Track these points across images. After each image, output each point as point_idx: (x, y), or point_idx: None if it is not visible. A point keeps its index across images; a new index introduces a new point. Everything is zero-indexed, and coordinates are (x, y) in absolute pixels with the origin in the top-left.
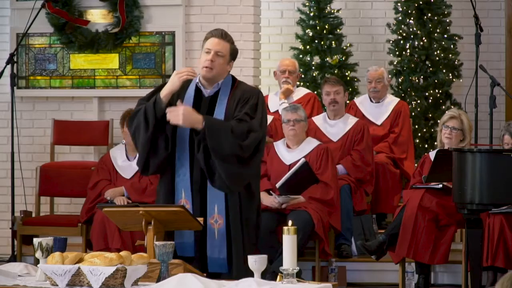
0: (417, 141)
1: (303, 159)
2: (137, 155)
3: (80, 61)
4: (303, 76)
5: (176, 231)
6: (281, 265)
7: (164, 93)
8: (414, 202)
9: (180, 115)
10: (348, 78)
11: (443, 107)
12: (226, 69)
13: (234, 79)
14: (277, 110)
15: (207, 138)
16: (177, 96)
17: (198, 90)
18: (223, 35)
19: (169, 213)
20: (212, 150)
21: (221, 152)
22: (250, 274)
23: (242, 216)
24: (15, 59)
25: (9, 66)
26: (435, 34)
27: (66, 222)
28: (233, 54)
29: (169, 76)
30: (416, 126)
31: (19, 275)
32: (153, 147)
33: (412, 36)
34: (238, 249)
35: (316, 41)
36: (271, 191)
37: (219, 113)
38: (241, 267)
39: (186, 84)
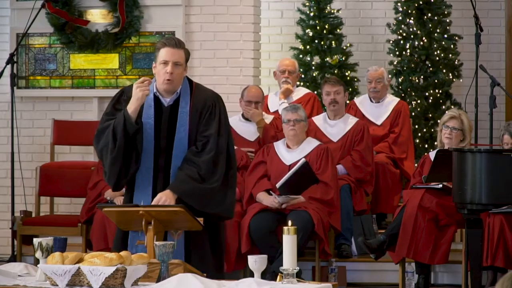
0: (417, 141)
1: (303, 159)
2: (107, 173)
3: (80, 61)
4: (303, 76)
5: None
6: (281, 265)
7: (132, 108)
8: (414, 202)
9: (166, 202)
10: (348, 78)
11: (443, 107)
12: (183, 76)
13: (190, 82)
14: (277, 110)
15: (189, 203)
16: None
17: (156, 99)
18: (177, 44)
19: (169, 213)
20: (200, 208)
21: (206, 204)
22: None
23: (209, 223)
24: (15, 59)
25: (9, 66)
26: (435, 34)
27: (66, 222)
28: (187, 58)
29: None
30: (416, 126)
31: (19, 275)
32: (125, 164)
33: (412, 36)
34: (202, 257)
35: (316, 41)
36: (271, 191)
37: (183, 124)
38: (212, 270)
39: None
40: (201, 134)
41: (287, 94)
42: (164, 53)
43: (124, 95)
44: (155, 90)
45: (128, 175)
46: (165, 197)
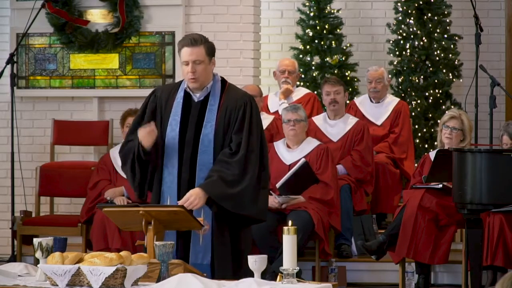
0: (417, 141)
1: (303, 159)
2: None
3: (80, 61)
4: (303, 76)
5: None
6: (281, 265)
7: (145, 145)
8: (414, 202)
9: (194, 203)
10: (348, 78)
11: (443, 107)
12: (210, 70)
13: (224, 82)
14: (277, 110)
15: (221, 204)
16: (165, 104)
17: (187, 95)
18: (193, 42)
19: (169, 213)
20: (233, 210)
21: (239, 205)
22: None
23: (231, 221)
24: (15, 59)
25: (9, 66)
26: (435, 34)
27: (66, 222)
28: (210, 52)
29: (169, 76)
30: (416, 126)
31: (19, 275)
32: (144, 178)
33: (412, 36)
34: (223, 255)
35: (316, 41)
36: (271, 191)
37: (210, 120)
38: (226, 273)
39: (173, 90)
40: (234, 134)
41: (287, 94)
42: (183, 54)
43: (154, 94)
44: (185, 87)
45: (148, 181)
46: (194, 196)
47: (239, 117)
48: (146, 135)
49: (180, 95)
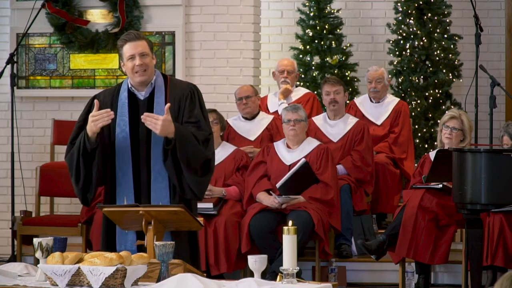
0: (417, 141)
1: (303, 159)
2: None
3: (80, 61)
4: (303, 76)
5: (117, 235)
6: (281, 265)
7: (90, 134)
8: (414, 202)
9: (159, 125)
10: (348, 78)
11: (443, 107)
12: (153, 65)
13: (165, 76)
14: (277, 110)
15: (177, 149)
16: (110, 107)
17: (132, 95)
18: (137, 36)
19: (169, 213)
20: (180, 161)
21: (188, 162)
22: None
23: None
24: (15, 59)
25: (9, 66)
26: (435, 34)
27: (66, 222)
28: (151, 47)
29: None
30: (416, 126)
31: (19, 275)
32: (88, 178)
33: (412, 36)
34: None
35: (316, 41)
36: (271, 191)
37: (159, 113)
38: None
39: (115, 93)
40: (188, 120)
41: (286, 94)
42: (127, 49)
43: (96, 99)
44: (129, 86)
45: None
46: (162, 119)
47: (187, 105)
48: (99, 117)
49: (124, 95)
